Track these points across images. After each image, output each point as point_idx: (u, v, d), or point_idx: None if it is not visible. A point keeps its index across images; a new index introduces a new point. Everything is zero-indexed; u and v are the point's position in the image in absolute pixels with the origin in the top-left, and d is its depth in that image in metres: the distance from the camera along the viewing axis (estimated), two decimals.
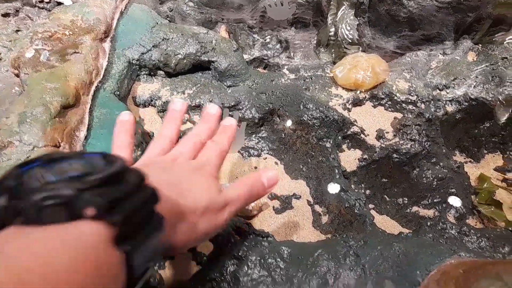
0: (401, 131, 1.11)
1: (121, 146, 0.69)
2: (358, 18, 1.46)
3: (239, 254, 0.81)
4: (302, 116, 1.07)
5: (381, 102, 1.19)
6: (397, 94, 1.18)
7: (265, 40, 1.56)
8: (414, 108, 1.16)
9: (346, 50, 1.49)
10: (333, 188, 1.06)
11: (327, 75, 1.27)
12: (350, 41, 1.48)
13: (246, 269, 0.78)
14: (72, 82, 0.95)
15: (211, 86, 1.21)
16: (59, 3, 1.55)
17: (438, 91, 1.20)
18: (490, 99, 1.18)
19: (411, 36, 1.48)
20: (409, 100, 1.17)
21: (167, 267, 0.91)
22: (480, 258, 0.71)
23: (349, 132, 1.11)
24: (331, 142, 1.06)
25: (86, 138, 0.89)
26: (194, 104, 1.16)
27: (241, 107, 1.16)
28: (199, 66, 1.27)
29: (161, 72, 1.22)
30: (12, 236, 0.32)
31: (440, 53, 1.36)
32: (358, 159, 1.11)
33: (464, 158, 1.28)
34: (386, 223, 1.08)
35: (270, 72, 1.31)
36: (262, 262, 0.80)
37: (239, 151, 1.18)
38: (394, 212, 1.12)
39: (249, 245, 0.82)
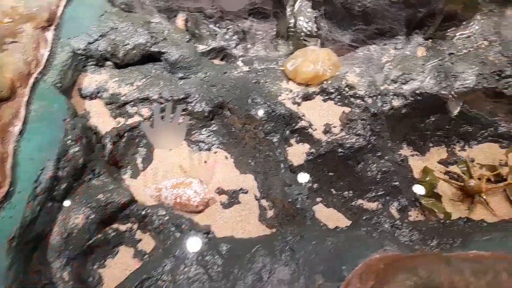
0: (348, 125, 1.13)
1: None
2: (315, 11, 1.46)
3: (177, 252, 0.81)
4: (250, 110, 1.07)
5: (331, 96, 1.20)
6: (346, 89, 1.19)
7: (222, 31, 1.54)
8: (361, 102, 1.18)
9: (305, 42, 1.49)
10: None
11: (280, 68, 1.27)
12: (308, 33, 1.48)
13: (183, 267, 0.78)
14: (8, 73, 0.91)
15: (162, 78, 1.19)
16: None
17: (386, 86, 1.23)
18: (436, 93, 1.22)
19: (366, 30, 1.50)
20: (357, 95, 1.19)
21: (107, 265, 0.91)
22: (404, 253, 0.74)
23: (297, 127, 1.12)
24: (278, 136, 1.07)
25: (21, 132, 0.87)
26: (142, 97, 1.14)
27: (190, 100, 1.15)
28: (151, 57, 1.24)
29: (109, 63, 1.19)
30: None
31: (392, 48, 1.38)
32: (306, 153, 1.12)
33: (411, 151, 1.33)
34: (333, 216, 1.11)
35: (223, 64, 1.30)
36: (200, 259, 0.81)
37: (188, 145, 1.18)
38: (340, 205, 1.15)
39: (188, 243, 0.83)
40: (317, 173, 1.14)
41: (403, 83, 1.23)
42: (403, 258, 0.68)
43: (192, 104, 1.15)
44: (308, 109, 1.18)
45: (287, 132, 1.11)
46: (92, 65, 1.18)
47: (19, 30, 1.00)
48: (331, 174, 1.14)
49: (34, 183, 0.81)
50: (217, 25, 1.57)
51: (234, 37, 1.54)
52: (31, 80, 0.95)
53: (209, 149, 1.18)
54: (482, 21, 1.34)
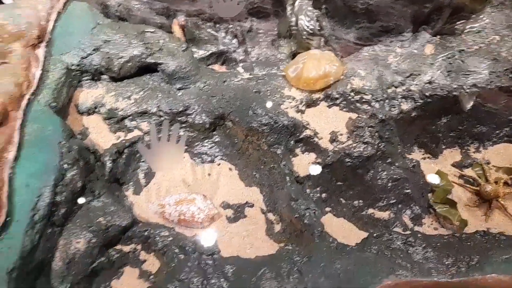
0: (355, 133, 1.08)
1: None
2: (316, 10, 1.41)
3: (182, 275, 0.78)
4: (251, 122, 1.03)
5: (336, 102, 1.16)
6: (351, 94, 1.14)
7: (221, 34, 1.50)
8: (368, 107, 1.13)
9: (308, 41, 1.44)
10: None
11: (282, 73, 1.22)
12: (311, 32, 1.43)
13: None
14: None
15: (159, 90, 1.15)
16: None
17: (394, 88, 1.17)
18: (447, 95, 1.17)
19: (370, 28, 1.44)
20: (364, 100, 1.14)
21: (113, 286, 0.88)
22: (418, 275, 0.70)
23: (301, 136, 1.08)
24: (282, 148, 1.03)
25: (15, 159, 0.84)
26: (141, 111, 1.10)
27: (190, 112, 1.11)
28: (147, 68, 1.20)
29: (105, 76, 1.16)
30: None
31: (398, 46, 1.33)
32: (312, 163, 1.08)
33: (423, 154, 1.27)
34: (343, 226, 1.07)
35: (223, 72, 1.26)
36: (205, 283, 0.78)
37: (191, 158, 1.14)
38: (350, 215, 1.10)
39: (192, 265, 0.80)
40: (325, 183, 1.10)
41: (411, 85, 1.18)
42: (415, 286, 0.64)
43: (192, 116, 1.11)
44: (313, 116, 1.13)
45: (292, 142, 1.07)
46: (87, 79, 1.14)
47: (8, 50, 0.97)
48: (339, 183, 1.10)
49: (32, 211, 0.78)
50: (217, 27, 1.52)
51: (234, 41, 1.50)
52: (24, 102, 0.92)
53: (212, 161, 1.15)
54: (493, 14, 1.27)
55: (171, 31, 1.50)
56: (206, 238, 0.97)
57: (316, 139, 1.08)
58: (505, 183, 1.14)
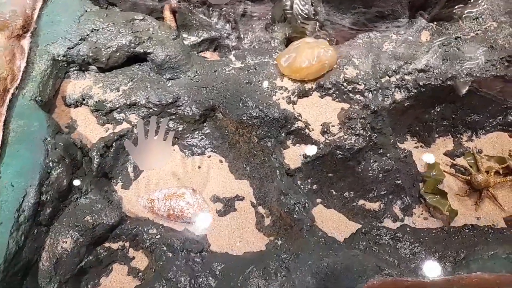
0: (346, 124, 1.07)
1: None
2: None
3: (169, 274, 0.79)
4: (241, 115, 1.01)
5: (328, 92, 1.14)
6: (344, 84, 1.12)
7: (213, 20, 1.46)
8: (361, 98, 1.11)
9: (303, 25, 1.41)
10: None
11: (275, 62, 1.20)
12: (305, 16, 1.40)
13: None
14: None
15: (149, 81, 1.13)
16: None
17: (387, 77, 1.15)
18: (441, 84, 1.15)
19: (366, 13, 1.41)
20: (357, 90, 1.12)
21: (102, 283, 0.89)
22: (401, 276, 0.70)
23: (293, 128, 1.07)
24: (273, 141, 1.02)
25: (0, 157, 0.83)
26: (129, 103, 1.08)
27: (180, 104, 1.09)
28: (137, 57, 1.17)
29: (93, 67, 1.13)
30: None
31: (393, 33, 1.30)
32: (303, 155, 1.07)
33: (416, 143, 1.27)
34: (333, 217, 1.08)
35: (214, 60, 1.23)
36: (193, 282, 0.78)
37: (181, 150, 1.13)
38: (341, 206, 1.11)
39: (180, 263, 0.80)
40: (316, 174, 1.09)
41: (405, 74, 1.16)
42: (401, 285, 0.64)
43: (182, 107, 1.09)
44: (305, 107, 1.12)
45: (283, 134, 1.05)
46: (75, 70, 1.12)
47: None
48: (330, 175, 1.10)
49: (17, 212, 0.77)
50: (210, 11, 1.48)
51: (227, 26, 1.46)
52: (8, 97, 0.90)
53: (202, 153, 1.14)
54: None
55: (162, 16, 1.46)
56: (196, 233, 0.98)
57: (307, 130, 1.07)
58: (497, 172, 1.14)
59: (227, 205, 1.04)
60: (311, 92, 1.15)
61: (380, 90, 1.12)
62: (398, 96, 1.14)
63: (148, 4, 1.43)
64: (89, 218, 0.86)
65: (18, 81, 0.95)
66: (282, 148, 1.07)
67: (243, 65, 1.21)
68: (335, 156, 1.05)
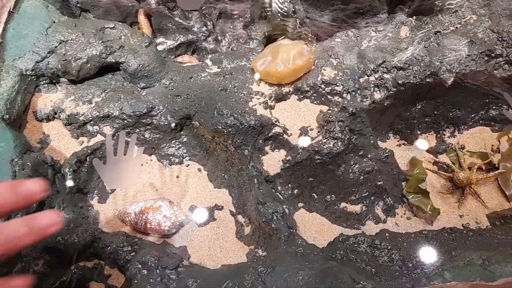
0: (325, 128, 1.05)
1: None
2: None
3: None
4: (217, 124, 0.99)
5: (306, 95, 1.12)
6: (322, 86, 1.10)
7: (190, 22, 1.43)
8: (339, 99, 1.09)
9: (284, 23, 1.39)
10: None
11: (251, 66, 1.17)
12: (285, 13, 1.37)
13: None
14: None
15: (122, 91, 1.10)
16: None
17: (366, 77, 1.13)
18: (420, 82, 1.13)
19: (345, 10, 1.38)
20: (335, 91, 1.10)
21: None
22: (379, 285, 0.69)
23: (270, 134, 1.05)
24: (250, 149, 1.00)
25: None
26: (103, 115, 1.06)
27: (155, 113, 1.07)
28: (109, 67, 1.15)
29: (64, 79, 1.10)
30: None
31: (372, 30, 1.27)
32: (282, 160, 1.06)
33: (398, 141, 1.25)
34: (315, 221, 1.07)
35: (190, 65, 1.21)
36: None
37: (158, 160, 1.11)
38: (323, 209, 1.09)
39: (154, 282, 0.79)
40: (296, 179, 1.08)
41: (384, 72, 1.14)
42: None
43: (157, 117, 1.07)
44: (283, 111, 1.10)
45: (260, 141, 1.04)
46: (45, 84, 1.09)
47: None
48: (311, 179, 1.08)
49: None
50: (186, 13, 1.45)
51: (204, 29, 1.43)
52: None
53: (181, 162, 1.12)
54: None
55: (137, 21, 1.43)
56: (175, 245, 0.96)
57: (285, 136, 1.05)
58: (479, 169, 1.13)
59: (206, 215, 1.02)
60: (288, 96, 1.13)
61: (358, 91, 1.10)
62: (377, 96, 1.12)
63: (123, 9, 1.40)
64: (60, 239, 0.84)
65: None
66: (260, 155, 1.05)
67: (219, 70, 1.19)
68: (314, 161, 1.03)
